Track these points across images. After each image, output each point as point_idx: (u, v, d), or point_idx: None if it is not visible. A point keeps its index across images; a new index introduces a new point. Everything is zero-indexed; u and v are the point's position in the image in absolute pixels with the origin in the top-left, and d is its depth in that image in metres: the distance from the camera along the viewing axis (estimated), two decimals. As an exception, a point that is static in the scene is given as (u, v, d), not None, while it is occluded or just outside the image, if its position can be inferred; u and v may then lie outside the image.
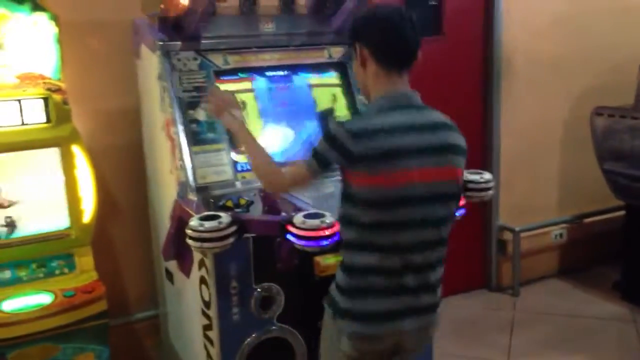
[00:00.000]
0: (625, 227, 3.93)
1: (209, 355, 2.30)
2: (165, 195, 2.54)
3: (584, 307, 3.86)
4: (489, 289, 4.14)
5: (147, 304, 3.04)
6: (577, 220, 4.22)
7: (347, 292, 1.84)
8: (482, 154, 3.95)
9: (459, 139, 1.87)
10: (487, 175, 2.35)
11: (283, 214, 2.14)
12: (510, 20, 3.77)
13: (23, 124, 2.37)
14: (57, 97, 2.43)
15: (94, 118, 2.80)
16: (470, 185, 2.31)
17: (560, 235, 4.24)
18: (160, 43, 2.38)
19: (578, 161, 4.09)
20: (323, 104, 2.61)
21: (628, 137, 3.65)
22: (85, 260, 2.47)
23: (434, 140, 1.81)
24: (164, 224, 2.55)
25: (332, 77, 2.66)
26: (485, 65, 3.88)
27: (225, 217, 1.97)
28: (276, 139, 2.49)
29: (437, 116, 1.87)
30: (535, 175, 4.11)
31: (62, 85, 2.50)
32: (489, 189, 2.35)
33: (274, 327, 2.30)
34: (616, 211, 4.07)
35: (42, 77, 2.48)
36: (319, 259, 2.18)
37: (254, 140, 2.11)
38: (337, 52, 2.65)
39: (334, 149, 1.76)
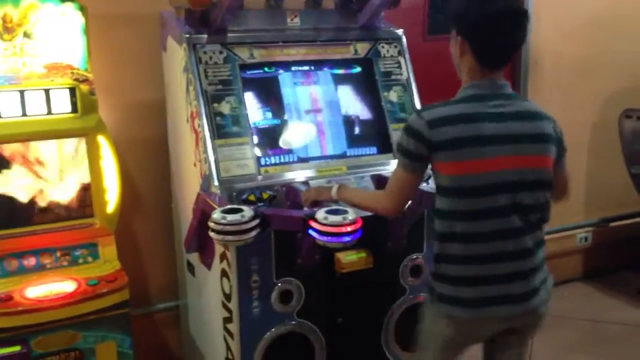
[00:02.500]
0: (652, 232, 3.87)
1: (228, 347, 2.31)
2: (189, 187, 2.55)
3: (608, 313, 3.80)
4: (511, 290, 4.09)
5: (168, 295, 3.06)
6: (603, 224, 4.15)
7: (440, 279, 1.90)
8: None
9: (548, 128, 1.87)
10: None
11: (305, 209, 2.14)
12: (540, 22, 3.71)
13: (50, 113, 2.39)
14: (84, 87, 2.44)
15: (120, 109, 2.81)
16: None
17: (586, 239, 4.18)
18: (187, 36, 2.39)
19: (605, 164, 4.03)
20: (348, 99, 2.59)
21: (658, 141, 3.60)
22: (109, 250, 2.48)
23: (521, 129, 1.82)
24: (187, 216, 2.57)
25: (358, 73, 2.64)
26: (513, 66, 3.83)
27: (247, 211, 1.97)
28: (301, 133, 2.49)
29: (531, 106, 1.90)
30: (561, 177, 4.05)
31: (90, 75, 2.51)
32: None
33: (293, 322, 2.30)
34: (643, 216, 4.00)
35: (70, 68, 2.49)
36: (340, 255, 2.18)
37: (351, 191, 2.13)
38: (363, 48, 2.64)
39: (412, 138, 1.79)
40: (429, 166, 1.85)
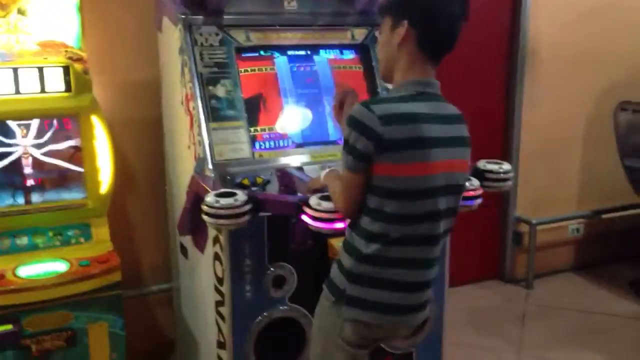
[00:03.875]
0: (643, 225, 3.90)
1: (220, 330, 2.31)
2: (183, 170, 2.54)
3: (598, 304, 3.83)
4: (503, 280, 4.12)
5: (161, 277, 3.06)
6: (595, 215, 4.17)
7: (358, 280, 1.79)
8: (502, 145, 3.91)
9: (467, 131, 1.84)
10: (506, 166, 2.32)
11: (299, 194, 2.13)
12: (538, 12, 3.71)
13: (43, 91, 2.37)
14: (78, 66, 2.42)
15: (114, 89, 2.80)
16: (489, 175, 2.29)
17: (577, 230, 4.20)
18: (183, 17, 2.36)
19: (599, 156, 4.04)
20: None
21: (653, 134, 3.60)
22: (102, 231, 2.48)
23: (453, 132, 1.78)
24: (180, 198, 2.56)
25: (354, 58, 2.62)
26: (510, 56, 3.83)
27: (241, 195, 1.96)
28: (295, 119, 2.47)
29: (453, 108, 1.83)
30: (555, 169, 4.06)
31: (84, 54, 2.49)
32: (507, 179, 2.32)
33: (285, 307, 2.30)
34: (635, 208, 4.01)
35: (64, 46, 2.47)
36: (333, 241, 2.17)
37: (333, 180, 1.90)
38: (360, 33, 2.62)
39: (362, 135, 1.66)
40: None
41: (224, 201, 1.93)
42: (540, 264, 4.05)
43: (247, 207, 1.96)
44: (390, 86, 1.89)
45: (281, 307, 2.30)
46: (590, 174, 4.15)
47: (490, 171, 2.29)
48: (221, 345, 2.33)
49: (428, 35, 1.74)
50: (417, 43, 1.75)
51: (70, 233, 2.45)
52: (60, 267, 2.30)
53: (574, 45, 3.87)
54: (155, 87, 2.79)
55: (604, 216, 4.18)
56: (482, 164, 2.31)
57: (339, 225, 1.90)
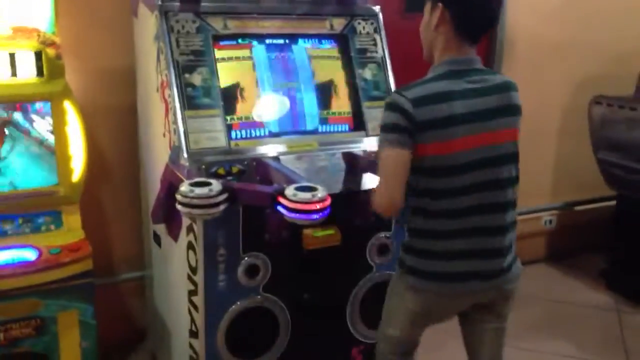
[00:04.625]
0: (615, 217, 3.95)
1: (192, 320, 2.30)
2: (157, 158, 2.51)
3: (569, 294, 3.89)
4: (476, 270, 4.15)
5: (133, 266, 3.03)
6: (567, 207, 4.22)
7: (412, 252, 1.94)
8: (479, 135, 3.92)
9: (518, 99, 1.92)
10: None
11: (275, 185, 2.12)
12: (516, 4, 3.71)
13: (14, 76, 2.31)
14: (50, 51, 2.37)
15: (88, 75, 2.74)
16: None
17: (551, 221, 4.25)
18: (159, 3, 2.32)
19: (573, 149, 4.08)
20: (322, 75, 2.56)
21: (625, 128, 3.64)
22: (73, 219, 2.44)
23: (494, 103, 1.84)
24: (154, 186, 2.53)
25: (333, 48, 2.61)
26: (487, 47, 3.83)
27: (216, 185, 1.94)
28: (272, 108, 2.45)
29: (500, 78, 1.92)
30: (529, 160, 4.04)
31: (57, 39, 2.44)
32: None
33: (259, 297, 2.29)
34: (607, 201, 4.07)
35: (37, 30, 2.41)
36: (307, 232, 2.17)
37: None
38: (339, 23, 2.59)
39: (399, 114, 1.76)
40: None
41: (198, 190, 1.91)
42: (514, 254, 4.09)
43: (222, 197, 1.94)
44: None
45: (255, 297, 2.29)
46: (563, 166, 4.19)
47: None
48: (193, 334, 2.32)
49: (463, 17, 1.82)
50: (453, 25, 1.83)
51: (40, 220, 2.41)
52: (29, 254, 2.26)
53: (551, 37, 3.89)
54: (130, 74, 2.75)
55: (577, 208, 4.23)
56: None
57: (315, 216, 1.89)
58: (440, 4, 1.83)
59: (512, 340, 3.28)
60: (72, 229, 2.42)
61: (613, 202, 3.98)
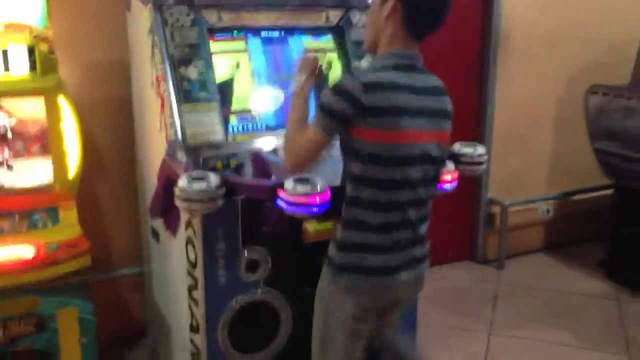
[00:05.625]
0: (612, 206, 3.95)
1: (193, 315, 2.29)
2: (154, 152, 2.50)
3: (568, 283, 3.90)
4: (475, 260, 4.16)
5: (131, 261, 3.02)
6: (565, 197, 4.22)
7: (346, 248, 1.87)
8: (476, 126, 3.92)
9: (450, 104, 1.93)
10: (480, 149, 2.32)
11: (273, 177, 2.11)
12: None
13: (7, 71, 2.29)
14: (43, 46, 2.35)
15: (82, 70, 2.73)
16: (464, 159, 2.28)
17: (548, 211, 4.25)
18: (154, -4, 2.30)
19: (570, 138, 4.08)
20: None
21: (621, 117, 3.64)
22: (70, 215, 2.42)
23: (435, 104, 1.86)
24: (151, 181, 2.52)
25: (329, 41, 2.59)
26: (483, 37, 3.82)
27: (214, 179, 1.93)
28: (268, 100, 2.44)
29: (436, 80, 1.91)
30: (526, 151, 4.09)
31: (49, 34, 2.41)
32: (481, 162, 2.32)
33: (259, 291, 2.28)
34: (604, 190, 4.07)
35: (29, 26, 2.39)
36: (307, 225, 2.15)
37: (299, 107, 1.96)
38: (335, 15, 2.58)
39: (343, 100, 1.73)
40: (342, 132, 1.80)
41: (197, 185, 1.89)
42: (512, 244, 4.10)
43: (221, 191, 1.93)
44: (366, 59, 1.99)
45: (255, 291, 2.28)
46: (560, 156, 4.19)
47: (465, 155, 2.29)
48: (194, 329, 2.31)
49: (413, 15, 1.81)
50: (403, 20, 1.81)
51: (37, 217, 2.39)
52: (27, 252, 2.24)
53: (547, 27, 3.89)
54: (124, 68, 2.73)
55: (574, 197, 4.23)
56: (457, 147, 2.31)
57: (315, 209, 1.88)
58: None
59: (512, 331, 3.33)
60: (69, 225, 2.39)
61: (610, 191, 3.98)
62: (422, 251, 1.96)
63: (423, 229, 1.94)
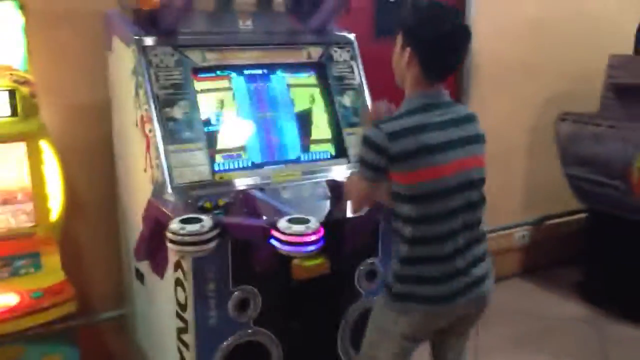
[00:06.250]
0: (587, 230, 4.04)
1: (182, 358, 2.25)
2: (137, 194, 2.47)
3: (546, 307, 3.95)
4: (454, 288, 4.18)
5: (114, 304, 2.95)
6: (540, 222, 4.30)
7: (404, 279, 1.98)
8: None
9: (481, 129, 2.04)
10: None
11: (264, 217, 2.10)
12: (481, 24, 3.79)
13: (-11, 116, 2.26)
14: (24, 89, 2.32)
15: (62, 111, 2.69)
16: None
17: (524, 236, 4.32)
18: (136, 37, 2.30)
19: (543, 165, 4.17)
20: (301, 104, 2.57)
21: (591, 143, 3.73)
22: (53, 260, 2.36)
23: (463, 133, 1.95)
24: (135, 223, 2.48)
25: (311, 77, 2.62)
26: (457, 71, 3.90)
27: (207, 221, 1.92)
28: (255, 139, 2.45)
29: (464, 110, 2.03)
30: (501, 179, 4.15)
31: (30, 77, 2.39)
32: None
33: (250, 330, 2.26)
34: (578, 214, 4.16)
35: (9, 69, 2.37)
36: (297, 262, 2.14)
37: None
38: (316, 52, 2.62)
39: (373, 151, 1.87)
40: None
41: (190, 227, 1.88)
42: (489, 271, 4.13)
43: (214, 233, 1.92)
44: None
45: (246, 331, 2.25)
46: (535, 182, 4.28)
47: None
48: (185, 373, 2.27)
49: (431, 61, 1.90)
50: (422, 69, 1.91)
51: (19, 264, 2.33)
52: (10, 300, 2.18)
53: (518, 56, 3.99)
54: (105, 109, 2.70)
55: (549, 222, 4.31)
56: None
57: (310, 248, 1.88)
58: (409, 48, 1.91)
59: (498, 356, 3.33)
60: (52, 270, 2.33)
61: (584, 215, 4.07)
62: (480, 271, 2.01)
63: (478, 250, 2.01)
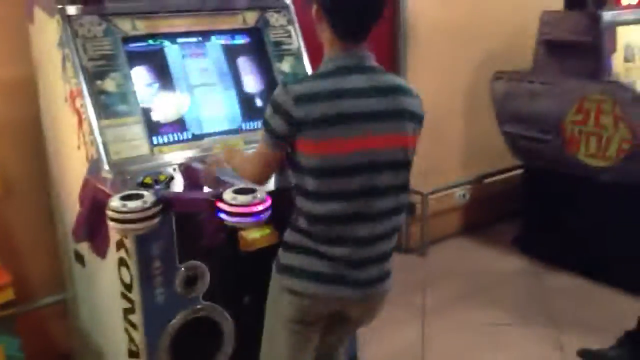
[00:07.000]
0: (523, 186, 4.15)
1: (131, 339, 2.19)
2: (72, 172, 2.35)
3: (488, 263, 4.06)
4: (399, 251, 4.22)
5: (53, 288, 2.83)
6: (479, 180, 4.39)
7: (291, 249, 1.85)
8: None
9: (414, 104, 1.81)
10: None
11: (206, 189, 2.04)
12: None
13: None
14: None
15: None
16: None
17: (464, 195, 4.39)
18: (60, 6, 2.16)
19: (480, 124, 4.23)
20: (239, 71, 2.49)
21: (526, 100, 3.81)
22: (-16, 247, 2.25)
23: (386, 105, 1.75)
24: (70, 203, 2.38)
25: (247, 43, 2.54)
26: (392, 31, 3.89)
27: (149, 196, 1.84)
28: (193, 109, 2.36)
29: (391, 79, 1.82)
30: (440, 139, 4.20)
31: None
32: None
33: (199, 306, 2.21)
34: (515, 170, 4.26)
35: None
36: (244, 233, 2.10)
37: (235, 153, 2.06)
38: (251, 17, 2.53)
39: (277, 114, 1.71)
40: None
41: (131, 204, 1.81)
42: (431, 231, 4.20)
43: (157, 209, 1.85)
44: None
45: (196, 307, 2.21)
46: (472, 142, 4.34)
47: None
48: (133, 354, 2.21)
49: (338, 21, 1.76)
50: (330, 27, 1.77)
51: (-53, 252, 2.20)
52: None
53: (452, 20, 4.00)
54: (30, 84, 2.55)
55: (487, 180, 4.40)
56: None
57: (257, 218, 1.84)
58: (315, 6, 1.78)
59: (444, 315, 3.41)
60: (-16, 258, 2.23)
61: (520, 171, 4.17)
62: (373, 272, 1.85)
63: (378, 247, 1.83)
